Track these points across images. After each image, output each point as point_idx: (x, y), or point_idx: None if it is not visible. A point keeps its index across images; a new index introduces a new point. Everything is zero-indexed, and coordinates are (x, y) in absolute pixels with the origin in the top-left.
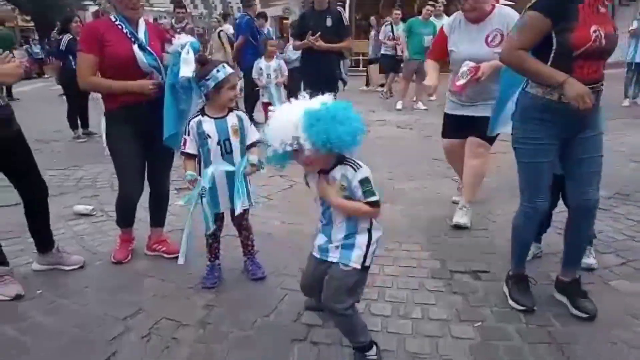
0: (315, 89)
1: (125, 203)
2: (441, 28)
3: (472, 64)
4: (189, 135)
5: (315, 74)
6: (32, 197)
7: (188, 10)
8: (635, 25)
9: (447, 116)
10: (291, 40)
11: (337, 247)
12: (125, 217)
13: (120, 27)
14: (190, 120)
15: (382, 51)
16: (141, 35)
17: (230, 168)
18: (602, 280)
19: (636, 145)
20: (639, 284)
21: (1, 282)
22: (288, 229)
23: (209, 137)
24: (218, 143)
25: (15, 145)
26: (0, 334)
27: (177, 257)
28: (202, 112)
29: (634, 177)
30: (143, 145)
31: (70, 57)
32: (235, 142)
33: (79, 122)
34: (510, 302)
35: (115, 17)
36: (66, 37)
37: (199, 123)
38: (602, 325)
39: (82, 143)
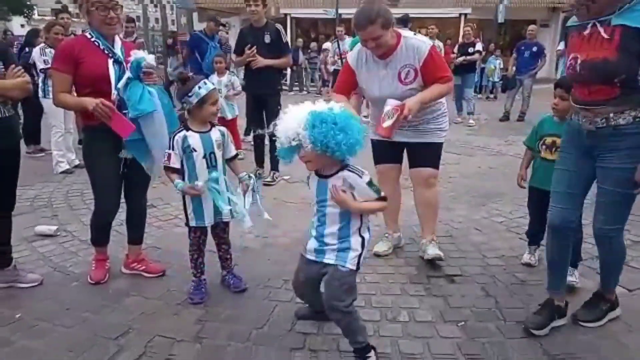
0: (257, 105)
1: (102, 220)
2: (346, 62)
3: (395, 102)
4: (173, 149)
5: (256, 90)
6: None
7: (137, 24)
8: (562, 46)
9: (377, 142)
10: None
11: (332, 249)
12: (100, 235)
13: (97, 43)
14: (174, 135)
15: (335, 67)
16: (117, 50)
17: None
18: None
19: None
20: (592, 281)
21: None
22: (263, 242)
23: (195, 150)
24: (204, 157)
25: (14, 156)
26: None
27: (157, 276)
28: (185, 127)
29: None
30: (121, 161)
31: (34, 71)
32: (219, 155)
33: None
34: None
35: (91, 34)
36: (35, 50)
37: (184, 138)
38: (568, 318)
39: (29, 160)
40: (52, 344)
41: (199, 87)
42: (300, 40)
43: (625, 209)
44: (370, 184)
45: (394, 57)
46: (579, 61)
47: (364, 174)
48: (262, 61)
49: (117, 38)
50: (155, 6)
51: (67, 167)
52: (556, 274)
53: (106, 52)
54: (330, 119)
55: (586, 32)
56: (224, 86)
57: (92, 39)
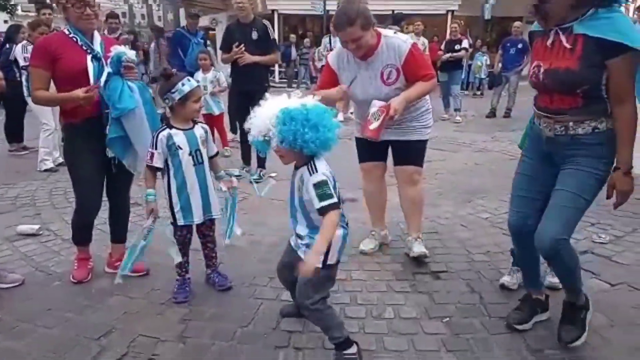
0: (244, 102)
1: (84, 218)
2: (327, 63)
3: (380, 103)
4: (156, 148)
5: (243, 86)
6: None
7: (121, 20)
8: None
9: (360, 140)
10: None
11: (302, 244)
12: (82, 234)
13: (75, 39)
14: (158, 134)
15: (323, 62)
16: (97, 46)
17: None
18: (547, 273)
19: None
20: None
21: None
22: (249, 240)
23: (180, 148)
24: (190, 154)
25: None
26: None
27: (141, 275)
28: (168, 125)
29: None
30: (103, 159)
31: (15, 68)
32: (204, 152)
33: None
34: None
35: (69, 30)
36: (16, 47)
37: (169, 136)
38: (553, 314)
39: (11, 158)
40: (34, 345)
41: (182, 84)
42: (293, 36)
43: (579, 218)
44: (318, 185)
45: (375, 58)
46: (542, 69)
47: (317, 173)
48: (249, 58)
49: (96, 34)
50: (143, 2)
51: (52, 165)
52: (528, 274)
53: (84, 48)
54: (302, 116)
55: (549, 40)
56: (209, 82)
57: (70, 35)
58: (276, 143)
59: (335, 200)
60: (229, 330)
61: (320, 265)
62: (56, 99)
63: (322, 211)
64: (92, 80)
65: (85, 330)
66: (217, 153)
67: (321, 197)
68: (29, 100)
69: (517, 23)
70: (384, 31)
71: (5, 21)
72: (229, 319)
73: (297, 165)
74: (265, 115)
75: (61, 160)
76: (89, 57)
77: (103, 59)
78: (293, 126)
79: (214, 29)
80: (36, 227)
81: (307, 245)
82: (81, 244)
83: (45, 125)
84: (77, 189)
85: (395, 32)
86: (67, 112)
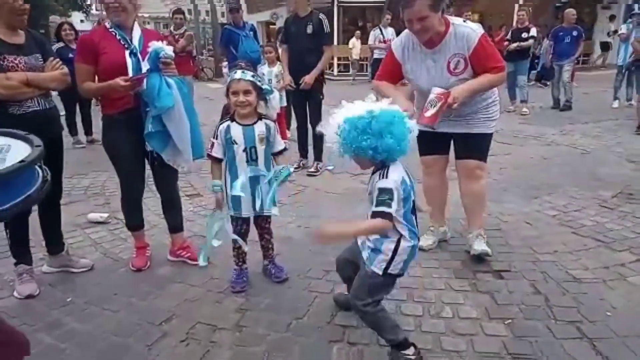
0: (299, 97)
1: (128, 202)
2: (390, 51)
3: (439, 90)
4: (217, 139)
5: (299, 82)
6: (48, 200)
7: (187, 16)
8: (624, 29)
9: (421, 132)
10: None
11: (369, 246)
12: (132, 218)
13: (113, 33)
14: (219, 125)
15: (375, 56)
16: (135, 41)
17: (257, 173)
18: (621, 276)
19: (631, 146)
20: None
21: (19, 280)
22: (305, 232)
23: (236, 143)
24: (244, 150)
25: (58, 146)
26: (37, 341)
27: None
28: (231, 118)
29: (634, 176)
30: (142, 149)
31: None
32: (260, 149)
33: (78, 128)
34: None
35: (109, 24)
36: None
37: (227, 128)
38: (627, 319)
39: (83, 150)
40: (100, 327)
41: (229, 75)
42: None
43: None
44: (382, 191)
45: (443, 46)
46: None
47: (386, 179)
48: (309, 79)
49: (136, 26)
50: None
51: None
52: None
53: (122, 42)
54: (363, 125)
55: None
56: (274, 76)
57: (110, 29)
58: (338, 152)
59: (390, 211)
60: (284, 321)
61: (331, 238)
62: (98, 88)
63: (373, 216)
64: (130, 75)
65: (148, 315)
66: (283, 149)
67: (378, 203)
68: None
69: (570, 10)
70: (453, 19)
71: (82, 20)
72: (284, 311)
73: (373, 170)
74: (334, 123)
75: None
76: (127, 53)
77: (140, 55)
78: (352, 134)
79: (274, 23)
80: (105, 215)
81: (373, 250)
82: (134, 229)
83: None
84: (119, 175)
85: (465, 21)
86: (106, 104)
